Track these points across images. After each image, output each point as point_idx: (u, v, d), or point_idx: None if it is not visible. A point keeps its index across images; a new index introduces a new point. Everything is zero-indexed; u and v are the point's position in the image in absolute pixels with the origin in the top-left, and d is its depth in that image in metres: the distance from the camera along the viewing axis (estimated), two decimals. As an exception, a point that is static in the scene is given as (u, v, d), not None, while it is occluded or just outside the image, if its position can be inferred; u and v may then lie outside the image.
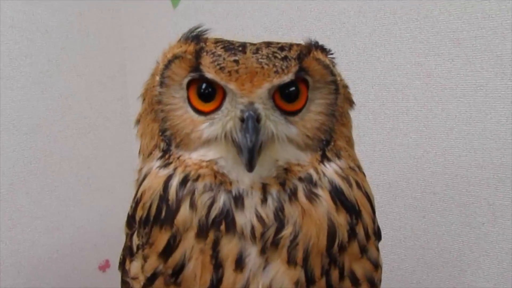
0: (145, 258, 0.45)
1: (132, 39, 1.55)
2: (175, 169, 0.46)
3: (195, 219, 0.43)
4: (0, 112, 1.26)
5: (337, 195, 0.46)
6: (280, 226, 0.44)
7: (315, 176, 0.46)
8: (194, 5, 1.37)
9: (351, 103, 0.53)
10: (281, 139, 0.45)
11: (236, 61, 0.43)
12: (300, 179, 0.46)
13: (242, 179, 0.44)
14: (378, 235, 0.52)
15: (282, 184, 0.45)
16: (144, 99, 0.52)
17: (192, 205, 0.44)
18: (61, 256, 1.42)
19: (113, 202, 1.56)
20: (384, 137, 1.01)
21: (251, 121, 0.42)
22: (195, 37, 0.48)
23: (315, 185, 0.46)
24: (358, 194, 0.48)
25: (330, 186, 0.46)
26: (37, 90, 1.34)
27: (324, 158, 0.48)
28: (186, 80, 0.47)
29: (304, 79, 0.47)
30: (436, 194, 0.96)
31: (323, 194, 0.45)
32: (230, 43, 0.46)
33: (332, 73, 0.49)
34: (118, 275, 1.62)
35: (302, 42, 0.51)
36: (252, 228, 0.43)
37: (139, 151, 0.53)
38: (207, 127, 0.45)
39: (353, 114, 1.01)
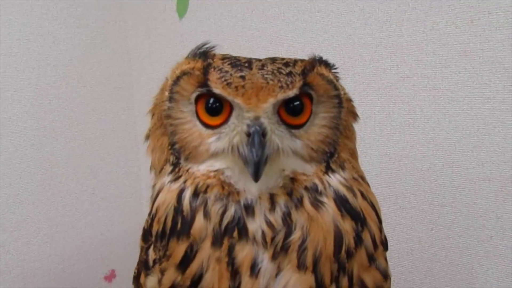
0: (162, 272, 0.46)
1: (138, 50, 1.56)
2: (185, 182, 0.47)
3: (209, 227, 0.44)
4: (7, 124, 1.27)
5: (342, 203, 0.47)
6: (289, 231, 0.45)
7: (320, 186, 0.47)
8: (199, 16, 1.37)
9: (355, 116, 0.53)
10: (286, 152, 0.46)
11: (243, 77, 0.44)
12: (306, 188, 0.46)
13: (249, 189, 0.45)
14: (385, 245, 0.51)
15: (289, 194, 0.46)
16: (153, 114, 0.53)
17: (206, 215, 0.45)
18: (66, 266, 1.42)
19: (119, 212, 1.57)
20: (390, 149, 1.01)
21: (257, 136, 0.42)
22: (203, 54, 0.49)
23: (320, 193, 0.47)
24: (363, 203, 0.48)
25: (335, 194, 0.47)
26: (44, 101, 1.35)
27: (328, 169, 0.49)
28: (194, 95, 0.48)
29: (308, 93, 0.48)
30: (444, 206, 0.96)
31: (328, 202, 0.46)
32: (237, 59, 0.46)
33: (336, 88, 0.50)
34: (124, 285, 1.62)
35: (306, 58, 0.51)
36: (263, 233, 0.44)
37: (151, 167, 0.54)
38: (214, 141, 0.46)
39: (359, 125, 1.01)
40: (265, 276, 0.44)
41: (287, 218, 0.45)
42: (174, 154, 0.49)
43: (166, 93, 0.49)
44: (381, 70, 1.00)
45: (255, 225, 0.44)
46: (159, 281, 0.46)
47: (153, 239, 0.47)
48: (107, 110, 1.52)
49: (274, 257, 0.44)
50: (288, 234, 0.44)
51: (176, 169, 0.48)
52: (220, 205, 0.45)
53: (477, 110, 0.89)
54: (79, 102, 1.44)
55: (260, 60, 0.47)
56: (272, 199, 0.45)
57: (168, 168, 0.49)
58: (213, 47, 0.50)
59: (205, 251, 0.44)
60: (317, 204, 0.46)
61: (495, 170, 0.89)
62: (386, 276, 0.51)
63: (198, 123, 0.48)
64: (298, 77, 0.46)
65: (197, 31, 1.39)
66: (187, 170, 0.47)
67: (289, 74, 0.45)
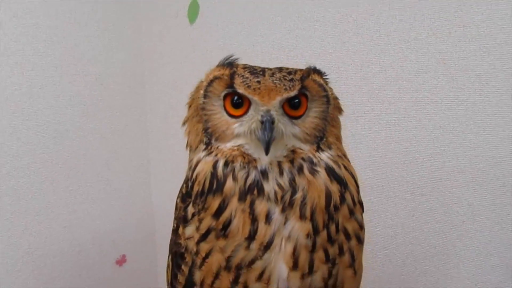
0: (200, 221, 0.59)
1: (151, 52, 1.69)
2: (216, 155, 0.61)
3: (236, 187, 0.58)
4: (33, 117, 1.39)
5: (330, 172, 0.60)
6: (293, 191, 0.58)
7: (314, 159, 0.61)
8: (209, 22, 1.50)
9: (340, 110, 0.67)
10: (288, 136, 0.60)
11: (259, 82, 0.58)
12: (303, 159, 0.61)
13: (262, 158, 0.59)
14: (361, 205, 0.65)
15: (291, 162, 0.60)
16: (190, 107, 0.66)
17: (234, 178, 0.59)
18: (82, 250, 1.54)
19: (129, 202, 1.69)
20: (378, 145, 1.14)
21: (268, 124, 0.57)
22: (229, 64, 0.62)
23: (315, 165, 0.60)
24: (345, 173, 0.62)
25: (325, 166, 0.61)
26: (65, 98, 1.47)
27: (319, 148, 0.62)
28: (223, 94, 0.62)
29: (304, 93, 0.62)
30: (424, 195, 1.09)
31: (321, 171, 0.60)
32: (254, 68, 0.60)
33: (325, 90, 0.64)
34: (133, 269, 1.75)
35: (304, 67, 0.65)
36: (275, 192, 0.58)
37: (187, 145, 0.67)
38: (237, 127, 0.61)
39: (351, 123, 1.14)
40: (276, 223, 0.57)
41: (292, 182, 0.59)
42: (207, 136, 0.63)
43: (202, 92, 0.63)
44: (371, 74, 1.13)
45: (269, 187, 0.58)
46: (197, 228, 0.59)
47: (192, 198, 0.60)
48: (121, 108, 1.65)
49: (283, 210, 0.58)
50: (293, 193, 0.58)
51: (209, 147, 0.62)
52: (244, 172, 0.59)
53: (453, 111, 1.02)
54: (96, 100, 1.56)
55: (271, 69, 0.61)
56: (280, 166, 0.59)
57: (202, 146, 0.63)
58: (237, 59, 0.64)
59: (233, 204, 0.57)
60: (313, 172, 0.60)
61: (467, 163, 1.02)
62: (362, 226, 0.64)
63: (225, 113, 0.62)
64: (297, 82, 0.60)
65: (206, 35, 1.51)
66: (217, 147, 0.61)
67: (291, 80, 0.59)
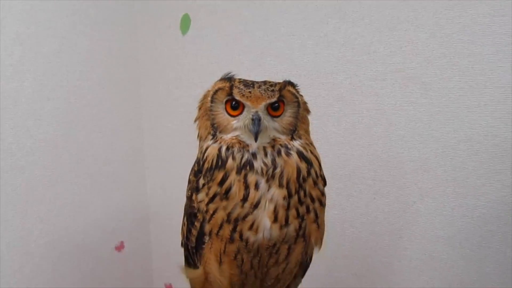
0: (209, 188, 0.78)
1: (147, 60, 1.88)
2: (220, 143, 0.80)
3: (235, 164, 0.78)
4: (44, 117, 1.57)
5: (300, 154, 0.80)
6: (274, 168, 0.78)
7: (289, 146, 0.81)
8: (200, 33, 1.70)
9: (308, 111, 0.87)
10: (270, 129, 0.81)
11: (250, 92, 0.78)
12: (281, 145, 0.81)
13: (252, 145, 0.79)
14: (324, 180, 0.85)
15: (273, 147, 0.80)
16: (200, 108, 0.85)
17: (233, 158, 0.78)
18: (86, 236, 1.72)
19: (127, 193, 1.88)
20: (345, 140, 1.36)
21: (256, 121, 0.77)
22: (229, 79, 0.83)
23: (289, 149, 0.80)
24: (311, 155, 0.82)
25: (296, 150, 0.81)
26: (71, 100, 1.65)
27: (292, 138, 0.82)
28: (224, 100, 0.82)
29: (282, 100, 0.83)
30: (382, 181, 1.31)
31: (293, 153, 0.80)
32: (246, 82, 0.80)
33: (296, 97, 0.85)
34: (130, 254, 1.92)
35: (281, 81, 0.86)
36: (261, 168, 0.78)
37: (198, 136, 0.86)
38: (235, 123, 0.81)
39: (323, 122, 1.35)
40: (262, 190, 0.77)
41: (273, 161, 0.79)
42: (213, 130, 0.83)
43: (209, 98, 0.83)
44: (339, 81, 1.35)
45: (258, 164, 0.78)
46: (206, 194, 0.78)
47: (203, 173, 0.79)
48: (120, 109, 1.83)
49: (267, 180, 0.77)
50: (274, 169, 0.78)
51: (215, 137, 0.82)
52: (240, 154, 0.79)
53: (405, 112, 1.25)
54: (97, 102, 1.75)
55: (258, 83, 0.81)
56: (264, 150, 0.79)
57: (210, 137, 0.82)
58: (234, 75, 0.84)
59: (232, 176, 0.77)
60: (288, 154, 0.80)
61: (417, 153, 1.24)
62: (323, 193, 0.84)
63: (226, 114, 0.82)
64: (277, 92, 0.81)
65: (197, 45, 1.71)
66: (221, 137, 0.81)
67: (272, 90, 0.80)
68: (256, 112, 0.78)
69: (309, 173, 0.79)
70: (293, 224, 0.78)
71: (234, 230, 0.76)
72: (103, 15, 1.74)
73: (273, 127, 0.81)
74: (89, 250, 1.73)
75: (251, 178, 0.76)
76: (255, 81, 0.81)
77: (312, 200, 0.80)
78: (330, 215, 0.95)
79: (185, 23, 1.76)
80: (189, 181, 0.84)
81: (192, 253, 0.84)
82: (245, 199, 0.75)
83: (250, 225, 0.76)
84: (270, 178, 0.77)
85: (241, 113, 0.80)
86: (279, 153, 0.79)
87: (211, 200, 0.77)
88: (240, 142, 0.80)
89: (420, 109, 1.23)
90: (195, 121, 0.86)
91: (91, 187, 1.73)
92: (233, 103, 0.81)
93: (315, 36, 1.39)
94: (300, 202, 0.78)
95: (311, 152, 0.82)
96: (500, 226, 1.15)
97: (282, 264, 0.81)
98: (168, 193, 1.92)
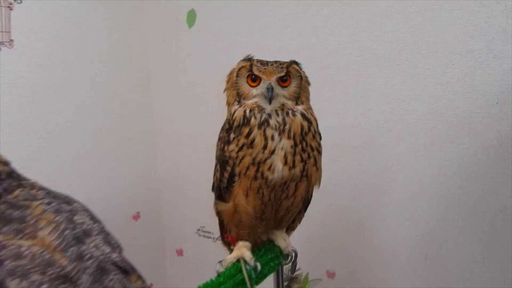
0: (238, 140, 1.02)
1: (156, 52, 2.08)
2: (244, 107, 1.04)
3: (256, 122, 1.01)
4: (73, 102, 1.78)
5: (302, 115, 1.05)
6: (284, 124, 1.02)
7: (294, 109, 1.05)
8: (205, 26, 1.91)
9: (308, 83, 1.11)
10: (280, 96, 1.05)
11: (265, 68, 1.03)
12: (288, 109, 1.04)
13: (267, 107, 1.03)
14: (319, 135, 1.09)
15: (282, 110, 1.04)
16: (228, 82, 1.09)
17: (255, 117, 1.02)
18: (105, 207, 1.92)
19: (142, 170, 2.10)
20: (333, 117, 1.62)
21: (270, 89, 1.02)
22: (249, 59, 1.07)
23: (294, 111, 1.04)
24: (310, 116, 1.06)
25: (300, 112, 1.05)
26: (92, 86, 1.85)
27: (296, 104, 1.07)
28: (246, 75, 1.06)
29: (289, 74, 1.07)
30: (365, 148, 1.58)
31: (298, 114, 1.04)
32: (262, 61, 1.05)
33: (299, 72, 1.09)
34: (146, 223, 2.16)
35: (288, 61, 1.10)
36: (275, 125, 1.02)
37: (227, 103, 1.10)
38: (254, 91, 1.05)
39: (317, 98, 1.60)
40: (276, 141, 1.01)
41: (283, 120, 1.02)
42: (238, 97, 1.07)
43: (234, 74, 1.07)
44: (329, 63, 1.62)
45: (273, 122, 1.01)
46: (236, 145, 1.02)
47: (232, 129, 1.03)
48: (133, 94, 2.04)
49: (279, 134, 1.01)
50: (284, 125, 1.02)
51: (240, 103, 1.05)
52: (259, 114, 1.02)
53: (383, 90, 1.52)
54: (114, 88, 1.95)
55: (271, 61, 1.05)
56: (276, 112, 1.03)
57: (236, 103, 1.06)
58: (253, 56, 1.08)
59: (255, 131, 1.01)
60: (294, 115, 1.04)
61: (394, 124, 1.52)
62: (319, 144, 1.08)
63: (247, 85, 1.06)
64: (285, 68, 1.05)
65: (203, 37, 1.93)
66: (244, 103, 1.05)
67: (282, 67, 1.05)
68: (270, 83, 1.04)
69: (309, 129, 1.05)
70: (298, 166, 1.03)
71: (257, 170, 1.01)
72: (119, 10, 1.94)
73: (282, 94, 1.06)
74: (109, 219, 1.93)
75: (268, 132, 1.01)
76: (268, 61, 1.06)
77: (312, 149, 1.05)
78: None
79: (191, 17, 1.96)
80: (220, 138, 1.09)
81: (224, 192, 1.09)
82: (265, 147, 1.01)
83: (269, 166, 1.01)
84: (281, 132, 1.02)
85: (258, 84, 1.05)
86: (287, 114, 1.04)
87: (240, 149, 1.02)
88: (258, 106, 1.04)
89: (395, 88, 1.50)
90: (224, 91, 1.11)
91: (111, 163, 1.96)
92: (253, 77, 1.06)
93: (306, 29, 1.65)
94: (303, 150, 1.03)
95: (311, 114, 1.08)
96: (462, 180, 1.43)
97: (291, 198, 1.07)
98: (178, 169, 2.16)
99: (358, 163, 1.61)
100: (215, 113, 1.88)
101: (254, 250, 1.10)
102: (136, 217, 2.08)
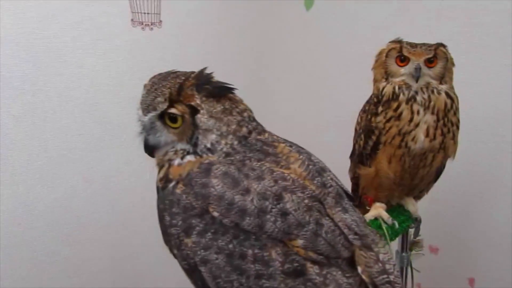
0: (386, 113, 1.15)
1: (272, 35, 2.04)
2: (392, 84, 1.16)
3: (404, 97, 1.14)
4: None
5: (446, 94, 1.15)
6: (429, 101, 1.14)
7: (439, 87, 1.15)
8: (324, 8, 1.91)
9: (453, 64, 1.19)
10: (427, 75, 1.16)
11: (414, 50, 1.15)
12: (433, 87, 1.15)
13: (413, 85, 1.14)
14: (458, 110, 1.17)
15: (427, 88, 1.15)
16: (376, 61, 1.22)
17: (403, 94, 1.14)
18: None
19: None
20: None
21: (418, 69, 1.14)
22: (399, 41, 1.19)
23: (439, 90, 1.15)
24: (453, 95, 1.16)
25: (444, 90, 1.15)
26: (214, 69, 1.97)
27: (441, 83, 1.17)
28: (395, 55, 1.18)
29: (436, 56, 1.15)
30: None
31: (442, 93, 1.15)
32: (411, 43, 1.16)
33: (446, 54, 1.18)
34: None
35: (436, 43, 1.17)
36: (421, 101, 1.14)
37: (374, 80, 1.24)
38: (403, 70, 1.17)
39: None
40: (421, 115, 1.13)
41: (429, 96, 1.14)
42: (386, 75, 1.19)
43: (384, 54, 1.19)
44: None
45: (419, 98, 1.14)
46: (384, 117, 1.15)
47: (381, 103, 1.16)
48: (248, 73, 2.06)
49: (424, 109, 1.13)
50: (429, 102, 1.14)
51: (387, 80, 1.18)
52: (407, 91, 1.15)
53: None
54: (230, 66, 1.89)
55: (419, 43, 1.15)
56: (422, 89, 1.15)
57: (383, 80, 1.19)
58: (402, 39, 1.19)
59: (403, 105, 1.13)
60: (439, 92, 1.15)
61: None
62: (459, 120, 1.17)
63: (395, 65, 1.18)
64: (433, 50, 1.14)
65: (321, 21, 1.93)
66: (392, 80, 1.17)
67: (430, 49, 1.15)
68: (418, 63, 1.15)
69: (451, 106, 1.16)
70: (438, 139, 1.15)
71: (402, 140, 1.14)
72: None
73: (428, 74, 1.17)
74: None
75: (415, 107, 1.14)
76: (417, 43, 1.18)
77: (452, 124, 1.16)
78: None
79: (309, 0, 2.04)
80: (366, 110, 1.23)
81: (366, 158, 1.24)
82: (411, 120, 1.14)
83: (412, 137, 1.14)
84: (426, 108, 1.14)
85: (407, 64, 1.17)
86: (432, 92, 1.15)
87: (388, 120, 1.16)
88: (405, 83, 1.17)
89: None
90: (372, 69, 1.24)
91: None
92: (402, 57, 1.18)
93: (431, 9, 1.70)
94: (444, 125, 1.15)
95: (453, 93, 1.18)
96: None
97: (427, 167, 1.19)
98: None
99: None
100: (326, 96, 2.02)
101: (387, 211, 1.24)
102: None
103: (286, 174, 0.77)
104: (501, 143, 1.60)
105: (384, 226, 1.16)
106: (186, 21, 1.80)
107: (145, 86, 0.85)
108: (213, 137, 0.80)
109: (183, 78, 0.81)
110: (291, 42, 2.08)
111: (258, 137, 0.82)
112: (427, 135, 1.13)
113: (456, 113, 1.16)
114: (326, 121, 2.02)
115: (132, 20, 1.68)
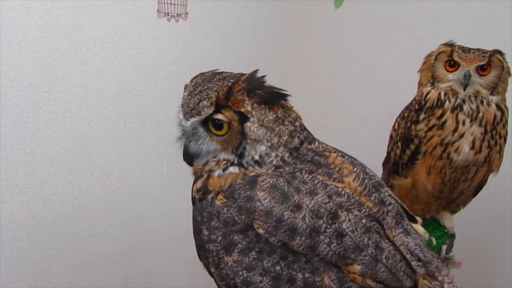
0: (429, 120, 1.08)
1: (299, 32, 2.01)
2: (437, 89, 1.09)
3: (450, 105, 1.07)
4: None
5: (497, 105, 1.08)
6: (478, 112, 1.06)
7: (489, 98, 1.08)
8: (353, 7, 1.86)
9: (509, 74, 1.11)
10: (476, 83, 1.08)
11: (466, 55, 1.07)
12: (483, 97, 1.08)
13: (461, 93, 1.07)
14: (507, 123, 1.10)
15: (476, 97, 1.07)
16: (424, 63, 1.14)
17: (449, 101, 1.07)
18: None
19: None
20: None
21: (467, 76, 1.06)
22: (450, 45, 1.11)
23: (489, 100, 1.07)
24: (504, 107, 1.09)
25: (494, 102, 1.08)
26: (238, 63, 1.87)
27: (492, 93, 1.09)
28: (445, 59, 1.10)
29: (490, 63, 1.08)
30: None
31: (492, 104, 1.08)
32: (464, 48, 1.08)
33: (502, 63, 1.09)
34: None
35: (492, 50, 1.09)
36: (468, 111, 1.06)
37: (419, 83, 1.16)
38: (450, 76, 1.10)
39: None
40: (467, 125, 1.06)
41: (477, 107, 1.07)
42: (432, 79, 1.12)
43: (433, 57, 1.12)
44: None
45: (466, 107, 1.07)
46: (426, 125, 1.08)
47: (423, 110, 1.09)
48: (272, 74, 2.13)
49: (471, 120, 1.06)
50: (477, 113, 1.07)
51: (433, 85, 1.11)
52: (454, 98, 1.08)
53: None
54: (255, 66, 2.03)
55: (473, 49, 1.07)
56: (470, 98, 1.07)
57: (428, 84, 1.12)
58: (455, 42, 1.11)
59: (448, 113, 1.07)
60: (489, 104, 1.07)
61: None
62: (507, 133, 1.10)
63: (444, 69, 1.10)
64: (487, 57, 1.06)
65: (349, 20, 1.88)
66: (438, 85, 1.10)
67: (484, 56, 1.07)
68: (468, 70, 1.08)
69: (501, 119, 1.08)
70: (484, 152, 1.08)
71: (444, 151, 1.07)
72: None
73: (479, 82, 1.09)
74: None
75: (461, 116, 1.07)
76: (470, 48, 1.10)
77: (500, 136, 1.09)
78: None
79: None
80: (405, 117, 1.15)
81: (402, 168, 1.17)
82: (455, 130, 1.06)
83: (456, 149, 1.07)
84: (473, 119, 1.07)
85: (456, 70, 1.10)
86: (481, 102, 1.08)
87: (429, 129, 1.09)
88: (452, 90, 1.09)
89: None
90: (418, 72, 1.17)
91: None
92: (451, 62, 1.10)
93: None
94: (492, 137, 1.08)
95: (504, 105, 1.11)
96: None
97: (468, 181, 1.12)
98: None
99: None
100: (353, 98, 1.95)
101: (422, 225, 1.17)
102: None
103: (340, 189, 0.70)
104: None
105: (420, 241, 1.08)
106: (212, 15, 1.77)
107: (186, 87, 0.77)
108: (262, 148, 0.73)
109: (231, 80, 0.73)
110: (318, 40, 2.04)
111: (309, 146, 0.76)
112: (472, 147, 1.06)
113: (505, 125, 1.09)
114: (353, 125, 1.97)
115: (158, 10, 1.63)
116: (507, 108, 1.10)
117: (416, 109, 1.11)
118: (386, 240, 0.70)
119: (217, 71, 0.77)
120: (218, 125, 0.72)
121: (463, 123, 1.05)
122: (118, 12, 1.52)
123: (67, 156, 1.48)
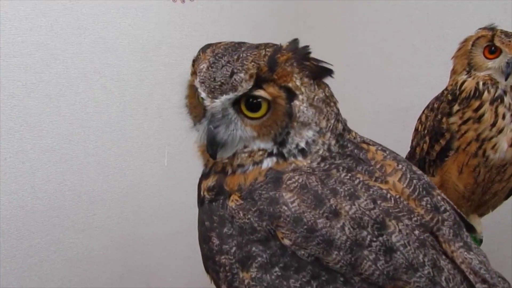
0: (463, 113, 0.98)
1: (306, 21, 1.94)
2: (474, 78, 1.00)
3: (489, 97, 0.97)
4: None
5: None
6: None
7: None
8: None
9: None
10: None
11: (509, 40, 0.96)
12: None
13: (502, 83, 0.98)
14: None
15: None
16: (460, 49, 1.05)
17: (489, 92, 0.98)
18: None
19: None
20: None
21: (510, 64, 0.96)
22: (491, 29, 1.01)
23: None
24: None
25: None
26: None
27: None
28: (484, 44, 1.00)
29: None
30: None
31: None
32: (507, 32, 0.98)
33: None
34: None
35: None
36: (509, 103, 0.97)
37: (452, 71, 1.06)
38: (490, 64, 1.00)
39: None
40: (507, 120, 0.96)
41: None
42: (469, 67, 1.02)
43: (470, 43, 1.02)
44: None
45: (507, 100, 0.97)
46: (460, 118, 0.98)
47: (458, 101, 0.99)
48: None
49: (511, 114, 0.97)
50: None
51: (469, 73, 1.01)
52: (494, 89, 0.98)
53: None
54: None
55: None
56: (510, 87, 0.98)
57: (464, 72, 1.02)
58: (496, 25, 1.01)
59: (486, 106, 0.97)
60: None
61: None
62: None
63: (482, 56, 1.00)
64: None
65: (365, 7, 1.84)
66: (475, 74, 1.00)
67: None
68: (511, 57, 0.97)
69: None
70: None
71: (479, 147, 0.97)
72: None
73: None
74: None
75: (501, 109, 0.97)
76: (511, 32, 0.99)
77: None
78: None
79: None
80: (434, 108, 1.05)
81: (429, 165, 1.06)
82: (493, 124, 0.96)
83: (493, 145, 0.96)
84: (509, 111, 0.97)
85: (497, 57, 0.99)
86: None
87: (464, 122, 0.98)
88: (492, 79, 0.99)
89: None
90: (452, 58, 1.06)
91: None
92: (492, 48, 1.00)
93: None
94: None
95: None
96: None
97: (503, 182, 1.01)
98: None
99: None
100: (373, 89, 1.86)
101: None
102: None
103: (385, 191, 0.57)
104: None
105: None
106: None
107: (199, 59, 0.61)
108: (310, 133, 0.60)
109: (269, 49, 0.58)
110: (332, 26, 1.96)
111: (348, 136, 0.63)
112: (511, 144, 0.95)
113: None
114: (367, 118, 1.87)
115: (163, -10, 1.53)
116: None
117: (449, 100, 1.00)
118: (444, 257, 0.57)
119: (237, 42, 0.63)
120: (255, 105, 0.58)
121: (503, 117, 0.95)
122: (120, -9, 1.43)
123: (61, 144, 1.38)
